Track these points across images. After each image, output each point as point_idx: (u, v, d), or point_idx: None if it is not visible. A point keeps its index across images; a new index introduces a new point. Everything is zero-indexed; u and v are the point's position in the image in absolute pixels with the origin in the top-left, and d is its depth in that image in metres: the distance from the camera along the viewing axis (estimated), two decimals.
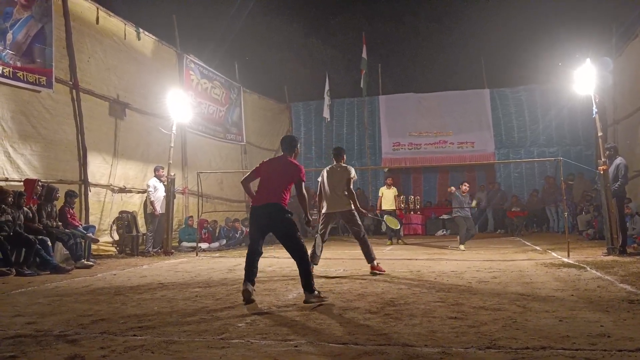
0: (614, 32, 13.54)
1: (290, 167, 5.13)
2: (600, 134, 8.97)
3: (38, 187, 8.26)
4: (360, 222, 7.13)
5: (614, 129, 13.68)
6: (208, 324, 3.88)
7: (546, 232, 15.07)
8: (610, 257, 7.93)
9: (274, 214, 4.94)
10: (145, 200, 10.85)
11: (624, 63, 12.77)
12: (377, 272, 6.76)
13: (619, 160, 8.86)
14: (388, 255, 9.89)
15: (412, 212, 16.50)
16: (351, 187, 7.00)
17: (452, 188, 11.17)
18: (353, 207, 6.98)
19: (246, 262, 4.94)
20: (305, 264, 4.86)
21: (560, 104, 16.13)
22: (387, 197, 12.72)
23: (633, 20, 13.01)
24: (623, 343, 3.11)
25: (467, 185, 11.17)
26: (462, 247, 10.57)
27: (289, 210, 5.08)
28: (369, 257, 6.88)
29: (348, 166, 7.15)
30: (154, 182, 10.50)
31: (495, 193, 16.34)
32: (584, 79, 8.88)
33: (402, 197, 14.04)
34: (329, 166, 7.27)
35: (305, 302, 4.63)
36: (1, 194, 7.38)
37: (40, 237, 7.52)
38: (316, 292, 4.75)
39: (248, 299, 4.66)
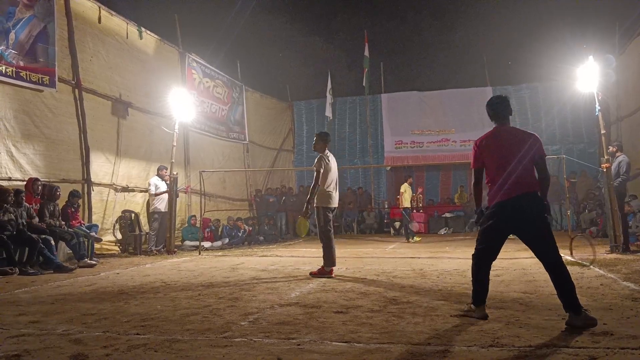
0: (617, 30, 13.48)
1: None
2: (603, 131, 8.94)
3: (38, 186, 8.25)
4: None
5: (617, 126, 13.63)
6: (211, 322, 3.89)
7: None
8: (613, 255, 7.91)
9: None
10: (148, 199, 10.87)
11: (627, 60, 12.72)
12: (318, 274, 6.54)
13: (621, 157, 8.86)
14: (391, 253, 9.89)
15: (415, 210, 16.49)
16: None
17: None
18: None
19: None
20: None
21: (563, 102, 16.08)
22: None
23: (636, 18, 12.96)
24: (626, 341, 3.10)
25: None
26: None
27: None
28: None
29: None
30: (155, 180, 10.52)
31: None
32: (586, 76, 8.86)
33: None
34: (329, 152, 6.91)
35: None
36: (2, 194, 7.40)
37: (44, 236, 7.54)
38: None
39: None
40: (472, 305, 3.94)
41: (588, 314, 3.53)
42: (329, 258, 6.57)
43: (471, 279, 4.04)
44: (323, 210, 6.73)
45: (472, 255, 4.06)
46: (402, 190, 13.21)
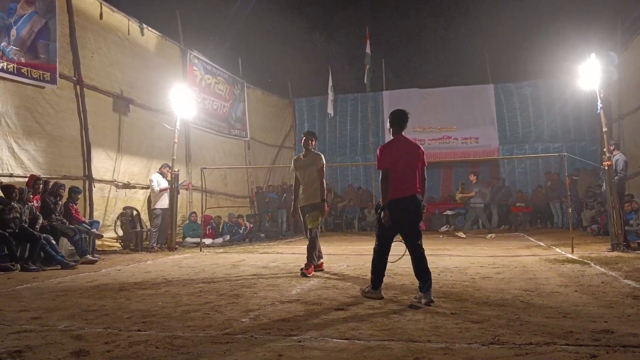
0: (619, 27, 13.44)
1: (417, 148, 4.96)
2: (605, 129, 8.92)
3: (39, 185, 8.24)
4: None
5: (619, 124, 13.60)
6: (212, 319, 3.89)
7: (550, 227, 15.02)
8: (615, 253, 7.90)
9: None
10: (149, 196, 10.88)
11: (629, 58, 12.68)
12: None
13: (618, 156, 8.93)
14: (391, 250, 9.88)
15: None
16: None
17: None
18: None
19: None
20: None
21: (565, 99, 16.04)
22: None
23: (639, 15, 12.92)
24: (627, 339, 3.10)
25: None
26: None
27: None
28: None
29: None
30: (156, 177, 10.54)
31: (500, 189, 16.26)
32: (588, 74, 8.84)
33: None
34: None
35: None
36: (9, 191, 7.41)
37: (44, 234, 7.55)
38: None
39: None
40: (371, 289, 4.71)
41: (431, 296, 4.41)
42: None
43: (371, 270, 4.78)
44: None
45: (374, 249, 4.83)
46: None
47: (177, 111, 10.69)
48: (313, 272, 6.45)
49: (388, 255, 4.82)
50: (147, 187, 11.03)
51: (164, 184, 10.44)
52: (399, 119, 4.94)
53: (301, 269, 6.44)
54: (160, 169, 10.72)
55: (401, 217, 4.68)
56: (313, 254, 6.58)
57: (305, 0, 25.38)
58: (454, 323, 3.63)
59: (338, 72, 20.89)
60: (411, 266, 7.08)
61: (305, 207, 6.78)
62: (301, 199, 6.84)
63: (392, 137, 4.97)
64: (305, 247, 6.68)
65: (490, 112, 17.37)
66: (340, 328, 3.54)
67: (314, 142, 6.93)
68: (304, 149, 6.94)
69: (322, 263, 6.84)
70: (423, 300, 4.37)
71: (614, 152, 8.99)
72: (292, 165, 7.05)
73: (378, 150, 4.92)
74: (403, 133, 4.95)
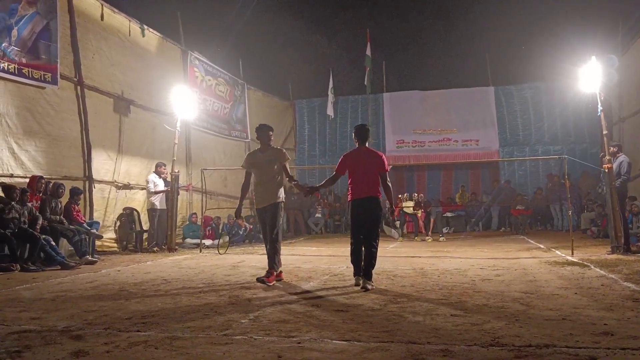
0: (620, 29, 13.45)
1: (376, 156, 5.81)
2: (605, 132, 8.92)
3: (42, 184, 8.26)
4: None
5: (620, 126, 13.60)
6: (211, 320, 3.89)
7: (550, 230, 15.02)
8: (614, 256, 7.89)
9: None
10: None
11: (629, 60, 12.69)
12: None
13: (622, 157, 8.89)
14: (391, 252, 9.88)
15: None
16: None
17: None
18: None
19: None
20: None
21: (566, 102, 16.04)
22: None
23: (639, 17, 12.94)
24: (626, 341, 3.10)
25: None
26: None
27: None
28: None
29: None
30: (153, 177, 10.52)
31: (501, 190, 16.24)
32: (589, 76, 8.84)
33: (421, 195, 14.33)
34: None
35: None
36: (9, 191, 7.42)
37: (44, 234, 7.55)
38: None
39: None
40: (353, 276, 5.56)
41: (371, 285, 5.31)
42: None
43: (350, 261, 5.64)
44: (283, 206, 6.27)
45: (350, 243, 5.64)
46: (399, 196, 13.69)
47: (177, 112, 10.70)
48: (274, 282, 5.72)
49: (361, 248, 5.55)
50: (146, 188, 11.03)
51: (160, 184, 10.43)
52: (361, 132, 5.88)
53: (258, 278, 5.77)
54: (156, 168, 10.69)
55: (356, 216, 5.62)
56: (275, 259, 5.86)
57: (307, 2, 25.43)
58: (453, 325, 3.63)
59: (339, 74, 20.88)
60: (410, 268, 7.14)
61: (265, 208, 6.08)
62: (259, 199, 6.19)
63: (356, 147, 5.88)
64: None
65: (490, 114, 17.37)
66: (340, 329, 3.54)
67: (271, 137, 6.45)
68: (261, 144, 6.43)
69: (281, 272, 6.03)
70: (360, 282, 5.37)
71: (618, 155, 8.94)
72: (246, 161, 6.42)
73: (341, 157, 5.85)
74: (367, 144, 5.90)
